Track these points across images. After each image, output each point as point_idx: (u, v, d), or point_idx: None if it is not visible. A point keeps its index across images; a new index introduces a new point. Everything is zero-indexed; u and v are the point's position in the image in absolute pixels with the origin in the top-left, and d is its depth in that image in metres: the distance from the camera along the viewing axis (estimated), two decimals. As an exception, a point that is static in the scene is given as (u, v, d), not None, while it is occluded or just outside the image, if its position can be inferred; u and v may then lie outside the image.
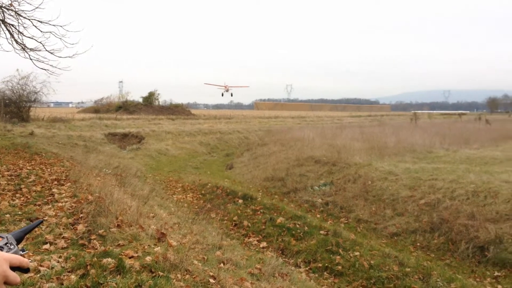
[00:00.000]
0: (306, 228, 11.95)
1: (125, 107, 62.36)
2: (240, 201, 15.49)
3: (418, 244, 11.60)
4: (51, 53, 16.56)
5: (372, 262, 9.47)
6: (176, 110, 65.39)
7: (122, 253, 6.11)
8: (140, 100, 68.90)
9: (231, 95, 47.96)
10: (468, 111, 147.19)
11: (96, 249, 6.46)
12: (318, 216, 14.42)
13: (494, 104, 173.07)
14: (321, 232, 11.53)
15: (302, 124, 53.92)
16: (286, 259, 9.93)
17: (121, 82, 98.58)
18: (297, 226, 12.13)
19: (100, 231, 7.30)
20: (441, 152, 21.68)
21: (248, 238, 11.74)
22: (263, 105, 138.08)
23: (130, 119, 44.89)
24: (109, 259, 5.71)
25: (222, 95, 48.13)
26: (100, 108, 64.82)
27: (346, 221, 13.87)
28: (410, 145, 23.09)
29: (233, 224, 13.15)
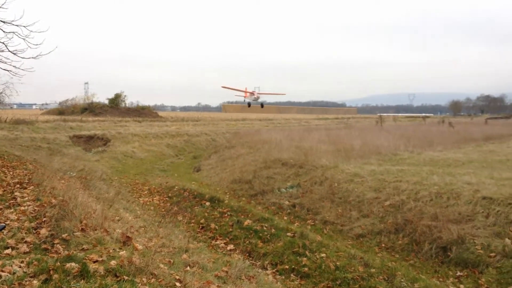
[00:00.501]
0: (273, 230, 12.00)
1: (90, 109, 61.50)
2: (207, 203, 15.45)
3: (383, 245, 11.78)
4: (14, 53, 16.16)
5: (338, 263, 9.57)
6: (143, 112, 64.84)
7: (86, 258, 6.02)
8: (106, 102, 68.12)
9: (262, 106, 34.21)
10: (432, 114, 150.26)
11: (60, 253, 6.34)
12: (285, 218, 14.48)
13: (457, 107, 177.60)
14: (288, 234, 11.61)
15: (270, 127, 54.15)
16: (253, 262, 9.93)
17: (86, 83, 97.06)
18: (264, 228, 12.17)
19: (64, 235, 7.17)
20: (405, 155, 22.03)
21: (215, 241, 11.72)
22: (231, 108, 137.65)
23: (96, 121, 44.24)
24: (73, 264, 5.60)
25: (249, 105, 33.19)
26: (64, 110, 63.68)
27: (313, 223, 13.97)
28: (376, 148, 23.39)
29: (200, 227, 13.10)
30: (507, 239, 10.24)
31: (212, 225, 13.01)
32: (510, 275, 9.11)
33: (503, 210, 11.34)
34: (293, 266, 9.60)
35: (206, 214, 14.28)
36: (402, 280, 8.78)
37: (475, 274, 9.54)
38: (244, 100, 31.81)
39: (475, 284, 9.17)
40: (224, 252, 10.57)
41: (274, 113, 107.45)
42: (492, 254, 9.91)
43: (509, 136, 35.66)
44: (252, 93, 29.29)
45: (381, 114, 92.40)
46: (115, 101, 67.38)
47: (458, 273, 9.72)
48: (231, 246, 11.12)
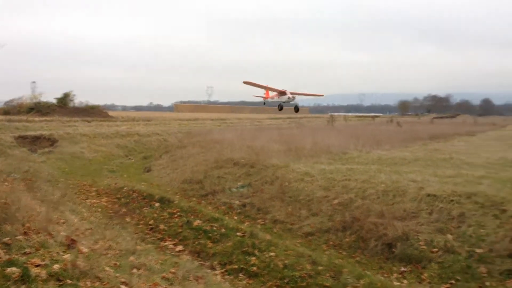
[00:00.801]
0: (223, 230, 12.04)
1: (37, 108, 59.55)
2: (157, 204, 15.30)
3: (331, 242, 11.96)
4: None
5: (286, 262, 9.70)
6: (92, 112, 63.29)
7: (28, 262, 5.88)
8: (55, 101, 66.28)
9: (297, 110, 23.41)
10: (381, 114, 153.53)
11: (0, 258, 6.17)
12: (236, 218, 14.50)
13: (404, 107, 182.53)
14: (238, 234, 11.67)
15: (222, 126, 53.98)
16: (202, 262, 9.95)
17: (34, 82, 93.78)
18: (214, 228, 12.19)
19: (5, 239, 6.97)
20: (355, 153, 22.40)
21: (164, 242, 11.63)
22: (183, 107, 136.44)
23: (43, 121, 42.88)
24: (14, 268, 5.47)
25: (281, 108, 23.16)
26: (10, 110, 61.46)
27: (263, 222, 14.05)
28: (326, 147, 23.66)
29: (149, 228, 12.97)
30: (449, 235, 10.62)
31: (161, 226, 12.91)
32: (451, 270, 9.45)
33: (446, 207, 11.73)
34: (242, 266, 9.67)
35: (155, 215, 14.15)
36: (348, 276, 8.98)
37: (418, 270, 9.84)
38: (264, 103, 24.09)
39: (418, 279, 9.46)
40: (172, 253, 10.50)
41: (227, 113, 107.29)
42: (435, 250, 10.25)
43: (453, 135, 37.00)
44: (283, 92, 22.00)
45: (332, 113, 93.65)
46: (64, 100, 65.45)
47: (402, 269, 10.01)
48: (180, 247, 11.08)
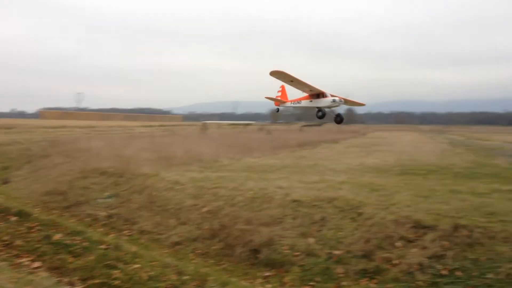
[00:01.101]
0: (85, 243, 11.55)
1: None
2: (14, 218, 14.23)
3: (199, 251, 11.93)
4: None
5: (151, 273, 9.51)
6: None
7: None
8: None
9: (340, 120, 15.31)
10: (254, 121, 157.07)
11: None
12: (101, 230, 13.94)
13: (276, 115, 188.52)
14: (101, 246, 11.26)
15: (92, 134, 51.88)
16: (61, 278, 9.40)
17: None
18: (76, 242, 11.64)
19: None
20: (226, 161, 22.68)
21: (20, 259, 10.82)
22: (50, 114, 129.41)
23: None
24: None
25: (322, 115, 15.16)
26: None
27: (130, 233, 13.65)
28: (198, 155, 23.71)
29: (4, 245, 11.98)
30: (310, 238, 11.10)
31: (18, 242, 11.99)
32: (311, 272, 9.87)
33: (309, 212, 12.25)
34: (104, 280, 9.32)
35: (11, 230, 13.11)
36: (214, 285, 9.02)
37: (281, 273, 10.16)
38: (278, 109, 17.02)
39: (280, 283, 9.75)
40: (28, 270, 9.80)
41: (97, 120, 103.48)
42: (297, 253, 10.64)
43: (319, 143, 38.93)
44: (320, 94, 15.13)
45: (206, 121, 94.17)
46: None
47: (266, 274, 10.26)
48: (37, 263, 10.38)
